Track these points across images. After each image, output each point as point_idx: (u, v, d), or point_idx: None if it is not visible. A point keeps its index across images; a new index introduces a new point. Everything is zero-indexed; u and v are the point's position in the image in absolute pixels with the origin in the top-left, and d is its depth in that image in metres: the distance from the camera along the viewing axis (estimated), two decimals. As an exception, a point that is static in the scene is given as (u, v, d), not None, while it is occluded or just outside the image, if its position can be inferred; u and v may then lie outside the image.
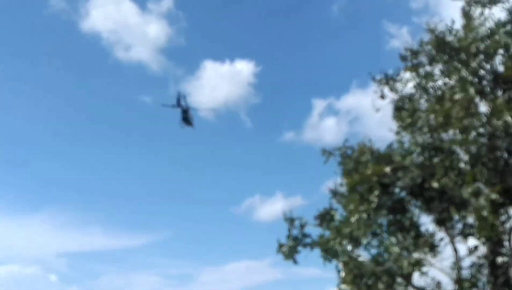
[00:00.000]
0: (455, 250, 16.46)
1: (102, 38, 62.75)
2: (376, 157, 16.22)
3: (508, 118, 14.85)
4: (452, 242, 16.45)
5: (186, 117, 21.58)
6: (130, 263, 56.25)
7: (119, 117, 63.03)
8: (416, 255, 15.78)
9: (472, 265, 16.47)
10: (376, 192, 15.82)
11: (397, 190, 16.22)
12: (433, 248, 15.90)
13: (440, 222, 16.02)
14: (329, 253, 16.51)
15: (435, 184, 15.53)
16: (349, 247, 16.36)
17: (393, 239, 15.88)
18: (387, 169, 15.80)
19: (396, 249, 15.57)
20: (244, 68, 59.26)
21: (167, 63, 60.84)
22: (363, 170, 16.00)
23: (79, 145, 61.60)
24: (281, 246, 17.13)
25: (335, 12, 60.62)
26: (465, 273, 16.43)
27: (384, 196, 15.98)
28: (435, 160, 15.88)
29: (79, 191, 59.99)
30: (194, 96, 63.22)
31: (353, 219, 15.93)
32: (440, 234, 16.56)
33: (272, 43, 62.59)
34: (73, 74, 61.95)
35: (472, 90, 16.12)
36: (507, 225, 15.58)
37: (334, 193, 17.42)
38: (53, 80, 61.51)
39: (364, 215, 15.87)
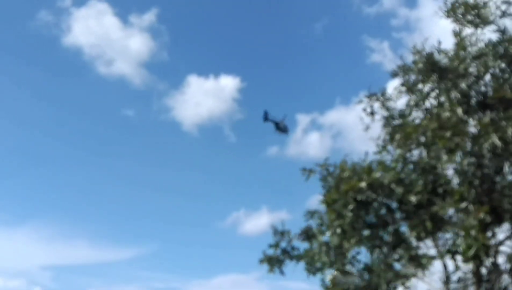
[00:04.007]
0: (444, 265, 16.89)
1: (84, 53, 62.83)
2: (356, 174, 16.46)
3: (495, 139, 15.31)
4: (441, 257, 16.83)
5: (279, 127, 22.18)
6: (115, 277, 56.66)
7: (102, 131, 63.13)
8: (402, 269, 16.31)
9: (459, 280, 16.96)
10: (351, 207, 16.05)
11: (376, 206, 16.42)
12: (419, 263, 16.33)
13: (418, 237, 16.41)
14: (314, 267, 16.96)
15: (412, 198, 15.90)
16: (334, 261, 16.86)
17: (376, 254, 16.34)
18: (363, 185, 16.04)
19: (378, 264, 16.04)
20: (228, 83, 59.88)
21: (150, 78, 61.32)
22: (342, 187, 16.29)
23: (64, 159, 61.95)
24: (265, 257, 17.62)
25: (318, 29, 61.42)
26: (453, 287, 16.93)
27: (360, 212, 16.21)
28: (413, 176, 16.29)
29: (64, 204, 60.42)
30: (178, 110, 64.00)
31: (328, 234, 16.37)
32: (430, 249, 17.03)
33: (257, 59, 63.49)
34: (55, 88, 62.01)
35: (460, 111, 16.64)
36: (493, 242, 16.02)
37: (312, 213, 17.74)
38: (35, 95, 61.51)
39: (338, 230, 16.27)
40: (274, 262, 17.68)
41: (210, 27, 63.98)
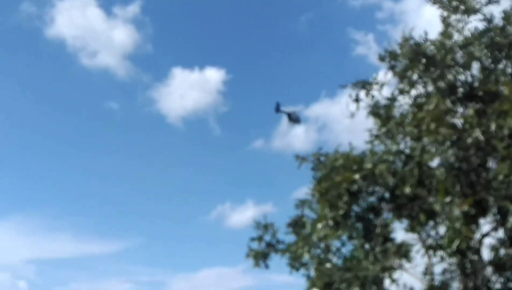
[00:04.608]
0: (428, 257, 16.94)
1: (67, 44, 61.92)
2: (348, 164, 16.42)
3: (478, 134, 15.25)
4: (426, 249, 16.87)
5: (292, 118, 22.21)
6: (100, 270, 56.23)
7: (85, 124, 62.60)
8: (387, 261, 16.35)
9: (444, 271, 17.04)
10: (345, 198, 16.04)
11: (368, 197, 16.47)
12: (404, 255, 16.37)
13: (411, 229, 16.43)
14: (297, 261, 17.00)
15: (407, 190, 15.86)
16: (319, 254, 16.90)
17: (362, 246, 16.37)
18: (357, 176, 16.03)
19: (365, 256, 16.08)
20: (213, 75, 59.29)
21: (134, 70, 60.49)
22: (335, 177, 16.25)
23: (47, 151, 61.29)
24: (251, 251, 17.65)
25: (303, 22, 60.98)
26: (437, 279, 17.02)
27: (353, 203, 16.24)
28: (407, 168, 16.24)
29: (48, 197, 59.82)
30: (162, 103, 63.58)
31: (319, 226, 16.36)
32: (413, 241, 17.05)
33: (242, 52, 62.77)
34: (38, 81, 61.40)
35: (446, 102, 16.52)
36: (477, 236, 16.05)
37: (303, 202, 17.73)
38: (17, 87, 60.91)
39: (331, 222, 16.30)
40: (259, 256, 17.69)
41: (195, 19, 63.25)
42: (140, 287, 56.60)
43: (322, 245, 16.73)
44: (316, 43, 61.43)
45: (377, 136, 17.74)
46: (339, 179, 16.06)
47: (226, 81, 58.25)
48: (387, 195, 16.44)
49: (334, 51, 61.28)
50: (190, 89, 59.16)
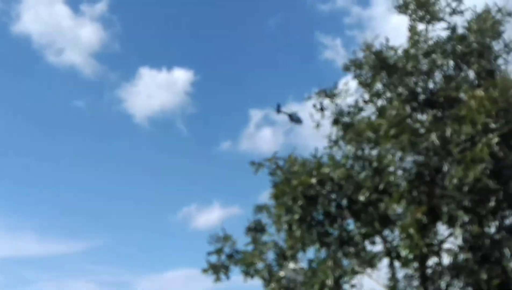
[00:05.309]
0: (391, 262, 17.08)
1: (33, 41, 62.25)
2: (305, 168, 16.53)
3: (434, 138, 15.47)
4: (389, 254, 17.01)
5: (293, 119, 22.64)
6: (64, 270, 55.65)
7: (51, 122, 62.66)
8: (349, 266, 16.50)
9: (405, 276, 17.20)
10: (300, 202, 16.12)
11: (325, 202, 16.45)
12: (366, 260, 16.54)
13: (366, 235, 16.61)
14: (250, 268, 17.12)
15: (361, 197, 16.07)
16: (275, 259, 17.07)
17: (319, 250, 16.53)
18: (313, 181, 16.14)
19: (323, 261, 16.24)
20: (181, 76, 59.32)
21: (101, 68, 60.36)
22: (292, 181, 16.32)
23: (11, 149, 61.19)
24: (210, 266, 17.63)
25: (271, 25, 61.26)
26: (399, 284, 17.14)
27: (310, 208, 16.30)
28: (363, 174, 16.46)
29: (11, 196, 59.51)
30: (129, 103, 63.43)
31: (275, 231, 16.56)
32: (378, 245, 17.24)
33: (210, 53, 62.56)
34: (2, 78, 61.62)
35: (407, 108, 16.80)
36: (434, 242, 16.17)
37: (260, 208, 17.81)
38: None
39: (285, 227, 16.47)
40: (219, 270, 17.72)
41: (163, 19, 63.35)
42: (105, 287, 56.39)
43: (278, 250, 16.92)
44: (284, 46, 61.73)
45: (335, 142, 18.02)
46: (295, 183, 16.23)
47: (194, 82, 58.36)
48: (344, 200, 16.59)
49: (302, 54, 61.41)
50: (158, 89, 59.27)
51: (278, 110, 20.01)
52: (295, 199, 16.16)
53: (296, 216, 16.29)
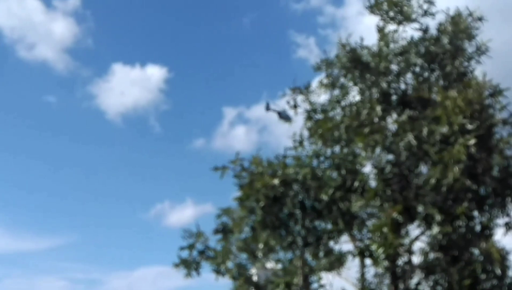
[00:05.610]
0: (361, 261, 17.10)
1: (4, 36, 60.68)
2: (270, 169, 16.35)
3: (411, 138, 15.54)
4: (360, 253, 16.99)
5: (282, 116, 22.19)
6: (35, 267, 55.22)
7: (21, 117, 61.17)
8: (318, 265, 16.47)
9: (375, 274, 17.23)
10: (262, 204, 15.95)
11: (289, 202, 16.30)
12: (338, 260, 16.52)
13: (331, 234, 16.57)
14: (221, 267, 16.92)
15: (324, 196, 16.02)
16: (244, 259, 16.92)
17: (288, 252, 16.45)
18: (276, 181, 16.00)
19: (290, 260, 16.16)
20: (155, 73, 59.52)
21: (73, 64, 59.86)
22: (256, 183, 16.11)
23: None
24: (181, 261, 17.32)
25: (246, 23, 61.53)
26: (369, 282, 17.18)
27: (274, 209, 16.14)
28: (328, 172, 16.42)
29: None
30: (102, 99, 62.93)
31: (237, 232, 16.34)
32: (347, 244, 17.25)
33: (184, 50, 62.85)
34: None
35: (379, 108, 16.82)
36: (406, 241, 16.28)
37: (225, 211, 17.36)
38: None
39: (247, 228, 16.29)
40: (191, 266, 17.36)
41: (137, 15, 62.87)
42: (76, 284, 55.82)
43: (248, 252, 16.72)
44: (258, 45, 62.11)
45: (300, 142, 17.95)
46: (258, 185, 15.98)
47: (168, 79, 58.41)
48: (308, 200, 16.50)
49: (276, 53, 62.19)
50: (131, 86, 59.05)
51: (268, 108, 19.74)
52: (257, 201, 15.98)
53: (258, 218, 16.15)
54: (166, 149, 62.76)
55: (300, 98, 19.13)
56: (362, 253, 16.20)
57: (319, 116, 18.53)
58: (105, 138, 62.01)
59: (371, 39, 18.43)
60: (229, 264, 16.97)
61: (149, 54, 65.09)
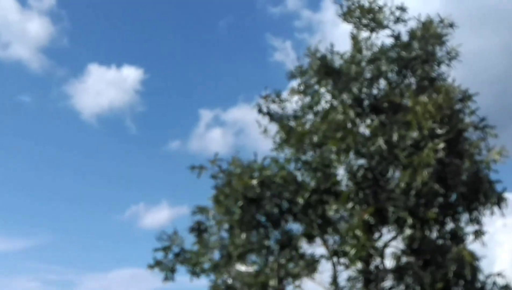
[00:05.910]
0: (334, 264, 17.17)
1: None
2: (248, 171, 16.48)
3: (381, 142, 15.70)
4: (331, 256, 17.09)
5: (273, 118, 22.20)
6: (7, 268, 54.01)
7: None
8: (292, 268, 16.54)
9: (348, 278, 17.31)
10: (239, 203, 16.02)
11: (266, 204, 16.41)
12: (308, 263, 16.61)
13: (306, 237, 16.69)
14: (197, 268, 16.92)
15: (300, 200, 16.18)
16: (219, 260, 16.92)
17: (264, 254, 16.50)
18: (254, 182, 16.10)
19: (265, 263, 16.22)
20: (131, 74, 58.96)
21: (49, 63, 59.17)
22: (233, 183, 16.26)
23: None
24: (157, 263, 17.26)
25: (222, 26, 61.74)
26: (342, 286, 17.26)
27: (251, 209, 16.22)
28: (304, 175, 16.60)
29: None
30: (77, 99, 62.15)
31: (216, 231, 16.43)
32: (319, 248, 17.33)
33: (161, 52, 62.46)
34: None
35: (351, 113, 16.99)
36: (379, 244, 16.42)
37: (201, 209, 17.33)
38: None
39: (226, 226, 16.35)
40: (166, 268, 17.30)
41: (113, 15, 62.51)
42: (48, 285, 54.47)
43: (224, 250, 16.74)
44: (235, 48, 62.20)
45: (280, 145, 18.08)
46: (236, 185, 16.10)
47: (144, 81, 57.92)
48: (285, 202, 16.60)
49: (252, 56, 62.19)
50: (107, 87, 58.62)
51: (259, 110, 19.82)
52: (235, 201, 16.08)
53: (236, 217, 16.21)
54: (141, 150, 62.23)
55: (272, 105, 19.24)
56: (336, 254, 16.29)
57: (292, 123, 18.65)
58: (80, 139, 61.52)
59: (348, 44, 18.68)
60: (205, 265, 16.95)
61: (125, 55, 64.61)
